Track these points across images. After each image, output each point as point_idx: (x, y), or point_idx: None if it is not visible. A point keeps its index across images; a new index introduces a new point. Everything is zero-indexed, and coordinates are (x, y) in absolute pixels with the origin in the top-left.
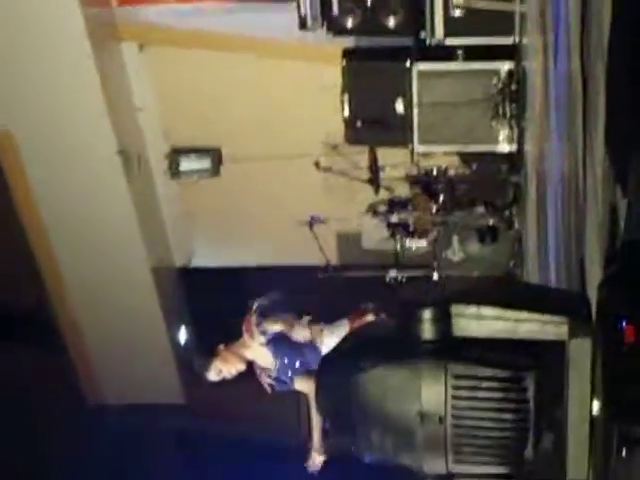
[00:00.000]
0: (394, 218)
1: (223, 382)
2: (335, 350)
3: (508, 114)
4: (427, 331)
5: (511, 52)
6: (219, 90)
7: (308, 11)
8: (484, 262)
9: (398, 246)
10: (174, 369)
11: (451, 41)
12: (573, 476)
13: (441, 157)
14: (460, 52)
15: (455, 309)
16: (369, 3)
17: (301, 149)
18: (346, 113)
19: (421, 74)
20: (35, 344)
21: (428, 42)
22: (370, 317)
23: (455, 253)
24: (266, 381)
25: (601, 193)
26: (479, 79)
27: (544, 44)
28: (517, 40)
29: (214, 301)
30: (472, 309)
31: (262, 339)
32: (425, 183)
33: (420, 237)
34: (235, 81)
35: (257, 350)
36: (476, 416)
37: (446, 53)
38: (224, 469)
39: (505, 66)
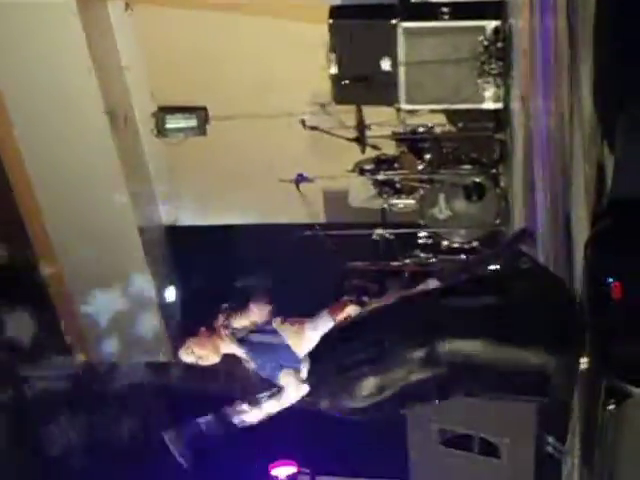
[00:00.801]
0: (381, 176)
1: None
2: (327, 349)
3: (494, 72)
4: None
5: (497, 10)
6: (206, 49)
7: None
8: (470, 219)
9: (385, 204)
10: (162, 327)
11: None
12: None
13: (427, 115)
14: (446, 10)
15: (442, 346)
16: None
17: (288, 108)
18: (333, 71)
19: (407, 32)
20: (23, 302)
21: (414, 0)
22: (351, 308)
23: (441, 211)
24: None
25: (588, 151)
26: (465, 37)
27: (530, 1)
28: None
29: (201, 259)
30: (460, 346)
31: (233, 341)
32: (411, 141)
33: (407, 195)
34: (222, 40)
35: (232, 348)
36: None
37: (432, 11)
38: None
39: (491, 24)
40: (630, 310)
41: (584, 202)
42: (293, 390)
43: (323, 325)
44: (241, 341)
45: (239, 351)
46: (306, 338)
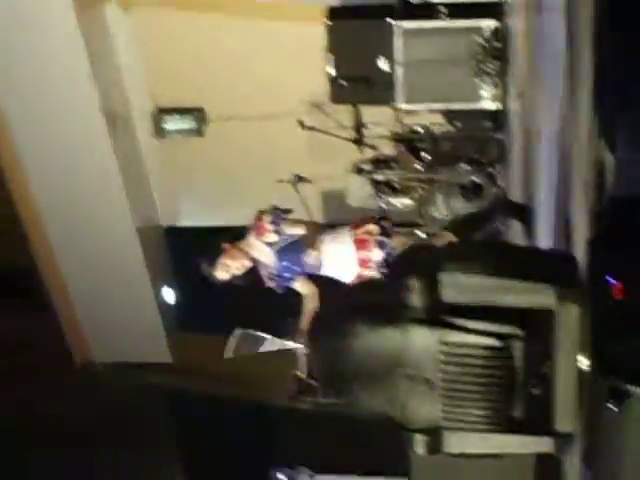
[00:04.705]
0: (379, 176)
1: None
2: (326, 312)
3: (492, 71)
4: (415, 299)
5: (495, 9)
6: (203, 50)
7: None
8: None
9: (383, 204)
10: (160, 328)
11: None
12: (561, 428)
13: (425, 115)
14: (444, 10)
15: (443, 277)
16: None
17: (285, 108)
18: (330, 72)
19: (405, 32)
20: (22, 304)
21: (412, 0)
22: (372, 226)
23: (440, 210)
24: (267, 274)
25: (587, 149)
26: (463, 37)
27: (528, 1)
28: None
29: (201, 261)
30: (459, 278)
31: (274, 237)
32: (409, 141)
33: (405, 195)
34: (219, 41)
35: (260, 249)
36: (465, 380)
37: (430, 11)
38: (207, 427)
39: (489, 24)
40: (631, 310)
41: (584, 201)
42: (303, 290)
43: (341, 236)
44: (269, 244)
45: (266, 250)
46: (324, 243)
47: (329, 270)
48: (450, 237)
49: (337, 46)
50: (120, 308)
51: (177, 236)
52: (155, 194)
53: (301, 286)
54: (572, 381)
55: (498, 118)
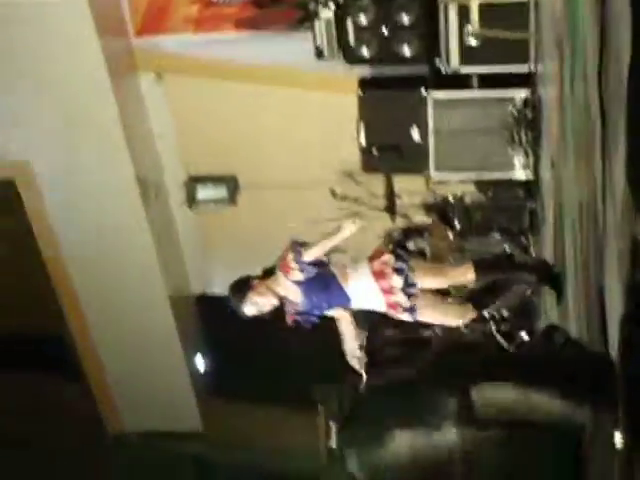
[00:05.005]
0: (411, 245)
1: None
2: (363, 418)
3: (524, 141)
4: (451, 411)
5: (527, 80)
6: (236, 118)
7: (324, 41)
8: None
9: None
10: (192, 397)
11: (466, 69)
12: None
13: (457, 184)
14: (475, 80)
15: (476, 394)
16: (385, 33)
17: (317, 177)
18: (362, 141)
19: (437, 102)
20: (55, 373)
21: (443, 70)
22: (387, 256)
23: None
24: (291, 313)
25: (621, 222)
26: (495, 107)
27: (560, 71)
28: (533, 68)
29: (231, 329)
30: (492, 396)
31: (299, 275)
32: (441, 210)
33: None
34: (252, 110)
35: (288, 287)
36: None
37: (461, 81)
38: None
39: (521, 94)
40: None
41: (618, 275)
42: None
43: (360, 269)
44: (297, 282)
45: (293, 289)
46: (348, 276)
47: (357, 304)
48: (470, 271)
49: (369, 116)
50: (152, 376)
51: (208, 304)
52: (187, 262)
53: (334, 312)
54: (608, 456)
55: (530, 188)
